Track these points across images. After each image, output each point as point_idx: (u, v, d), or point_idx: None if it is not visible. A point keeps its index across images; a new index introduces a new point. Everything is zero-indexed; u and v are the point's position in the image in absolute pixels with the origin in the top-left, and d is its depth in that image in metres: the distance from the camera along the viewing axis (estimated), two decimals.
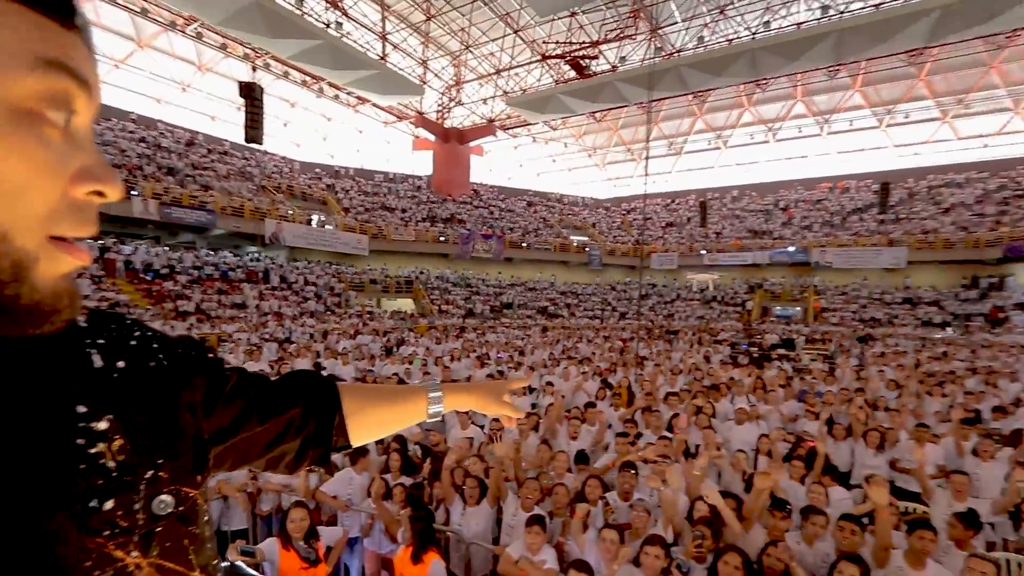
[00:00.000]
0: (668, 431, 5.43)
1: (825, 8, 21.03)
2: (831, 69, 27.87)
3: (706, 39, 23.07)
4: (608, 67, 24.27)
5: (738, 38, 22.62)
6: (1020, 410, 6.56)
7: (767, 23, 21.93)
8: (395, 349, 13.92)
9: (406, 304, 26.01)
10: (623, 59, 23.53)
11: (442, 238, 27.68)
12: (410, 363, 10.43)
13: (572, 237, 33.54)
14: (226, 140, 26.60)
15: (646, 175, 8.90)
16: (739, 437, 5.64)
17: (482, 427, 5.71)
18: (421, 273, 27.14)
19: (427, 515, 3.17)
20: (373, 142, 36.56)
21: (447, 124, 30.59)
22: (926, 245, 25.82)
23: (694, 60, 22.21)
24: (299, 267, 22.44)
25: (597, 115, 33.34)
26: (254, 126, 15.69)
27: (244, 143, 17.12)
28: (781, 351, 15.55)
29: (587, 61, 23.66)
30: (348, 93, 26.20)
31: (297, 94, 30.60)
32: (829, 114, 33.01)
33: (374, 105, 27.83)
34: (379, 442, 5.10)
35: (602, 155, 40.13)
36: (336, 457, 4.64)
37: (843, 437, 5.43)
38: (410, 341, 15.81)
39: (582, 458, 4.64)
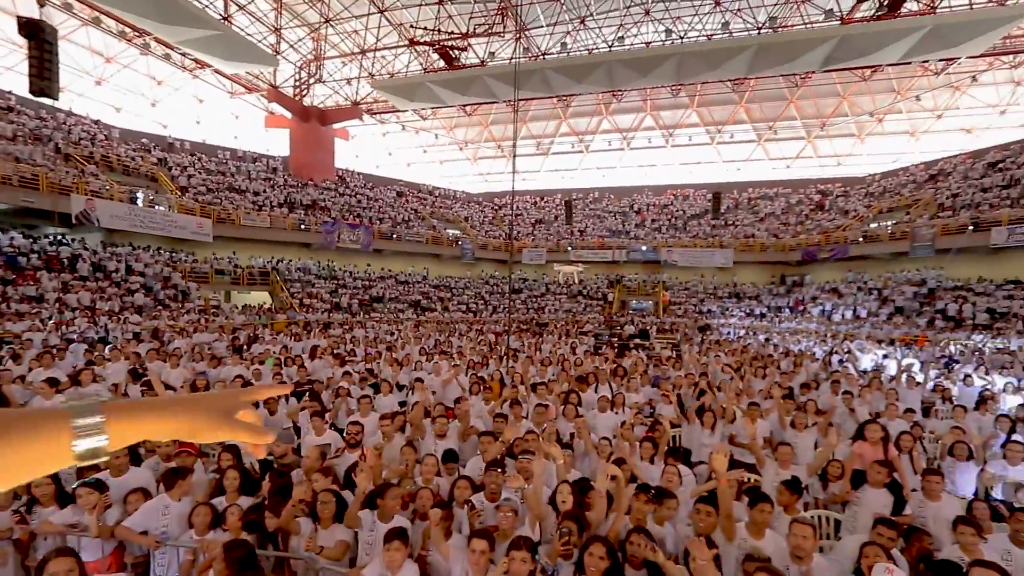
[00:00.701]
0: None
1: (668, 32, 23.44)
2: (673, 88, 31.35)
3: (568, 46, 24.30)
4: (477, 61, 24.31)
5: (597, 49, 24.23)
6: (823, 386, 7.84)
7: (621, 38, 23.83)
8: (246, 348, 12.36)
9: (262, 298, 23.44)
10: (492, 55, 23.75)
11: (303, 226, 25.38)
12: (261, 363, 9.29)
13: (446, 231, 33.19)
14: (11, 93, 21.23)
15: (514, 172, 9.01)
16: (603, 424, 5.83)
17: (341, 431, 5.22)
18: (280, 263, 24.62)
19: (243, 544, 2.70)
20: (217, 114, 32.21)
21: (307, 102, 28.14)
22: (748, 248, 30.47)
23: (558, 64, 23.26)
24: (120, 253, 18.80)
25: (468, 108, 33.42)
26: (44, 76, 12.63)
27: (33, 96, 13.74)
28: (638, 341, 17.10)
29: (456, 52, 23.43)
30: (183, 54, 22.65)
31: (114, 47, 25.63)
32: (672, 128, 37.18)
33: (217, 72, 24.47)
34: (204, 454, 4.33)
35: (473, 150, 40.36)
36: (146, 480, 3.78)
37: (695, 420, 5.94)
38: (265, 339, 14.19)
39: (450, 457, 4.44)
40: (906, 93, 30.44)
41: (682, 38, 24.14)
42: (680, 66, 22.53)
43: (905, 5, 20.81)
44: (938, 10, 20.93)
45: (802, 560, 2.74)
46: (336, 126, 29.80)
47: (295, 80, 26.97)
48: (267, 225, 24.37)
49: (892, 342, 16.45)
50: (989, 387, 8.37)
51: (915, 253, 22.65)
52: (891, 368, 10.53)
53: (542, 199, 39.65)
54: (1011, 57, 24.64)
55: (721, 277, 31.32)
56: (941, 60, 23.67)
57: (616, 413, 6.19)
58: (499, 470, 3.66)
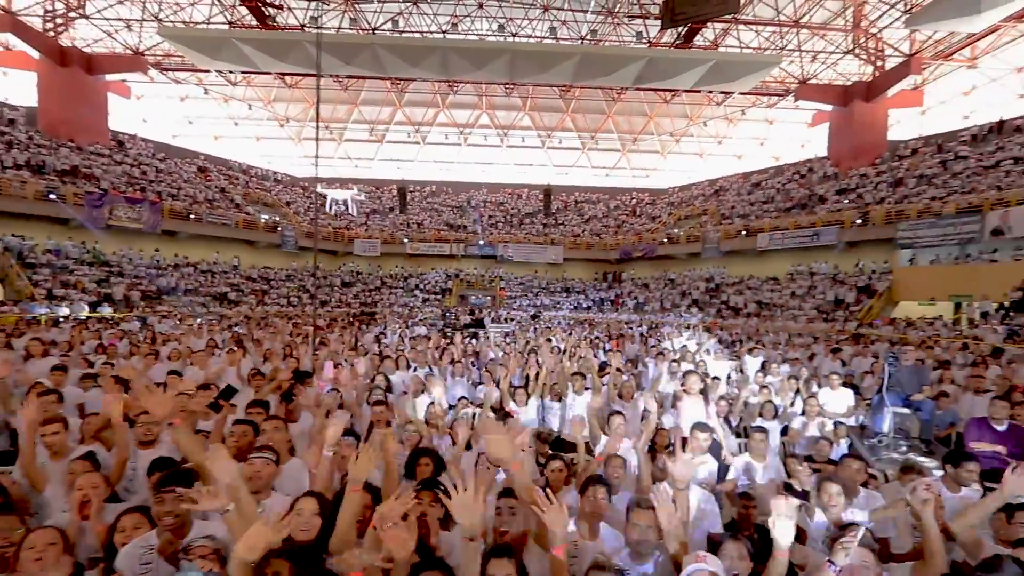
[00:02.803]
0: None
1: (501, 27, 23.87)
2: (507, 87, 32.33)
3: (400, 25, 23.21)
4: (297, 25, 21.78)
5: (431, 33, 23.59)
6: (640, 366, 8.17)
7: (455, 25, 23.58)
8: None
9: None
10: (314, 20, 21.46)
11: (52, 195, 19.77)
12: None
13: (261, 215, 29.16)
14: None
15: (317, 156, 7.81)
16: (422, 408, 5.09)
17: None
18: (19, 242, 18.79)
19: None
20: None
21: (65, 42, 22.27)
22: (576, 246, 32.71)
23: (391, 43, 21.97)
24: None
25: (288, 80, 30.03)
26: None
27: None
28: (473, 329, 16.78)
29: (270, 10, 20.63)
30: None
31: None
32: (507, 129, 38.34)
33: None
34: None
35: (297, 128, 36.47)
36: None
37: (523, 402, 5.51)
38: None
39: None
40: (696, 119, 35.84)
41: (515, 35, 24.79)
42: (512, 64, 22.95)
43: (696, 39, 24.29)
44: (720, 47, 24.85)
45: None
46: (110, 78, 24.07)
47: (45, 9, 20.97)
48: None
49: (691, 327, 18.77)
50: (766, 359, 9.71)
51: (706, 254, 26.54)
52: (692, 347, 11.76)
53: (376, 188, 37.60)
54: (766, 99, 30.50)
55: (553, 273, 33.08)
56: (722, 92, 28.20)
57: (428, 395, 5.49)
58: None
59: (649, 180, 40.58)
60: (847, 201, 23.29)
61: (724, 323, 20.01)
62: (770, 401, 5.38)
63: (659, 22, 22.58)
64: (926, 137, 24.80)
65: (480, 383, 6.45)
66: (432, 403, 4.75)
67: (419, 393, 5.34)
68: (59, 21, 21.56)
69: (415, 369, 6.76)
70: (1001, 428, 3.80)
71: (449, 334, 14.20)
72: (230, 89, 30.76)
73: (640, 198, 38.59)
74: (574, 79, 24.53)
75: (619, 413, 4.28)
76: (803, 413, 5.03)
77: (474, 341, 12.56)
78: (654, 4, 24.12)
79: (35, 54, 21.45)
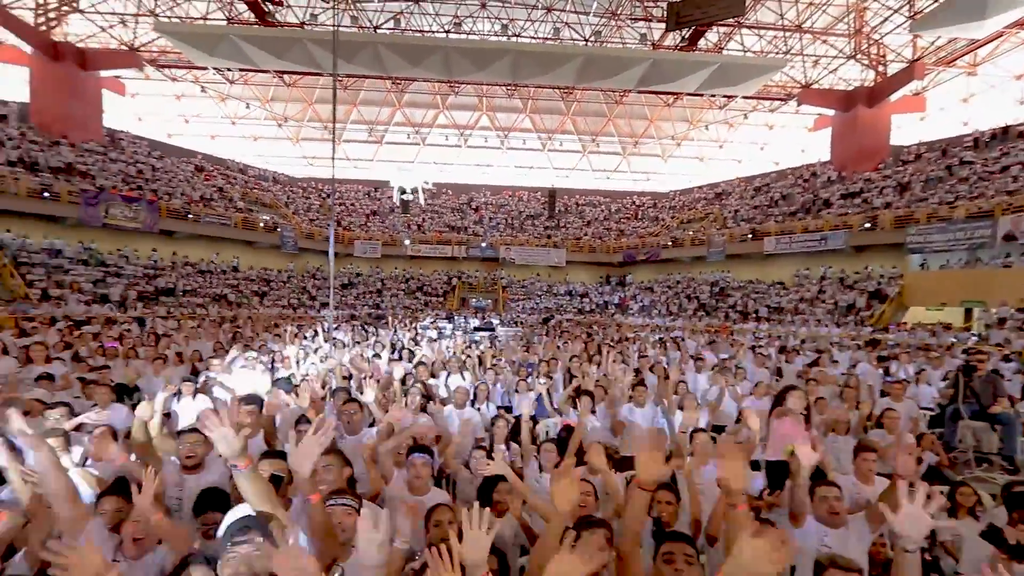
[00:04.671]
0: None
1: (505, 27, 23.61)
2: (509, 89, 32.10)
3: (402, 24, 22.89)
4: (297, 22, 21.37)
5: (432, 33, 23.29)
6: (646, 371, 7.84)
7: (458, 25, 23.28)
8: None
9: None
10: (314, 17, 21.05)
11: (46, 193, 19.16)
12: None
13: (261, 216, 28.61)
14: None
15: (334, 142, 7.46)
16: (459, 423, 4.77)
17: None
18: (12, 240, 18.17)
19: None
20: None
21: (59, 37, 21.72)
22: (578, 249, 32.46)
23: (392, 41, 21.62)
24: None
25: (287, 79, 29.58)
26: None
27: None
28: (483, 333, 16.37)
29: (269, 6, 20.20)
30: None
31: None
32: (507, 131, 38.05)
33: None
34: None
35: (295, 129, 35.93)
36: None
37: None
38: None
39: None
40: (696, 123, 35.80)
41: (518, 35, 24.55)
42: (515, 65, 22.65)
43: (700, 42, 24.18)
44: (724, 51, 24.77)
45: None
46: (104, 74, 23.47)
47: (37, 2, 20.37)
48: None
49: (703, 332, 18.58)
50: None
51: (711, 257, 26.36)
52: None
53: (376, 189, 37.12)
54: (768, 104, 30.49)
55: (555, 275, 32.79)
56: (724, 96, 28.14)
57: (479, 409, 5.21)
58: None
59: (650, 183, 40.46)
60: (854, 205, 23.22)
61: (735, 327, 19.80)
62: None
63: (663, 24, 22.52)
64: (929, 142, 24.84)
65: (516, 390, 6.10)
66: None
67: (463, 404, 5.01)
68: (52, 15, 20.97)
69: (448, 375, 6.43)
70: None
71: (474, 339, 13.83)
72: (227, 87, 30.22)
73: (642, 201, 38.45)
74: (577, 81, 24.29)
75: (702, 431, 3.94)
76: (880, 426, 4.73)
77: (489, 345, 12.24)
78: (657, 6, 24.01)
79: (27, 48, 20.86)
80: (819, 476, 3.03)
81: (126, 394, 6.96)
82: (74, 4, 21.13)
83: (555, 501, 1.87)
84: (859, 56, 24.52)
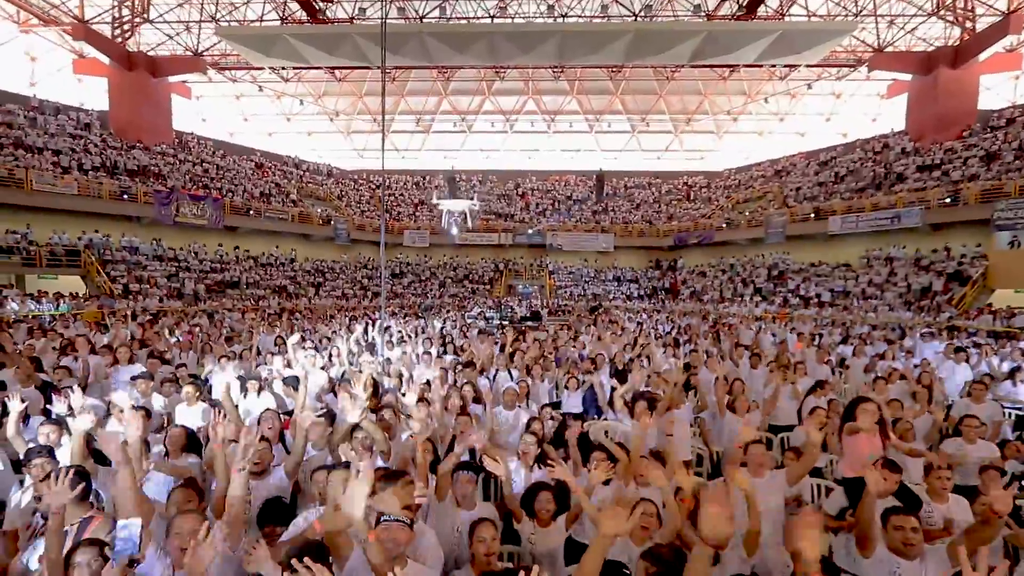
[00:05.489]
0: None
1: (551, 7, 23.04)
2: (555, 71, 31.44)
3: (447, 12, 22.81)
4: (346, 17, 21.78)
5: (477, 19, 23.09)
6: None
7: (503, 9, 22.94)
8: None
9: (72, 283, 18.73)
10: (362, 11, 21.35)
11: (125, 195, 20.76)
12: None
13: (316, 209, 29.82)
14: None
15: (383, 133, 7.53)
16: (506, 423, 4.86)
17: None
18: (95, 240, 19.89)
19: None
20: (4, 54, 25.26)
21: (132, 47, 23.21)
22: (627, 233, 31.70)
23: (437, 30, 21.62)
24: None
25: (338, 74, 30.31)
26: None
27: None
28: (530, 323, 16.37)
29: (320, 3, 20.66)
30: None
31: None
32: (554, 114, 37.42)
33: None
34: None
35: (346, 122, 36.94)
36: None
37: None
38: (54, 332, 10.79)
39: None
40: (755, 96, 33.77)
41: (564, 16, 23.93)
42: (562, 46, 22.11)
43: (760, 10, 22.65)
44: (787, 17, 23.12)
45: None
46: (172, 79, 24.98)
47: (113, 16, 21.87)
48: (74, 192, 19.47)
49: (759, 319, 17.74)
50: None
51: (769, 239, 25.00)
52: (765, 342, 10.93)
53: (424, 179, 37.68)
54: (835, 71, 28.28)
55: (603, 261, 32.27)
56: (786, 66, 26.34)
57: (520, 408, 5.19)
58: None
59: (704, 162, 38.74)
60: (932, 179, 21.26)
61: (796, 313, 18.77)
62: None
63: None
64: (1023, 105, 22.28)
65: (566, 387, 6.07)
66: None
67: (512, 405, 5.04)
68: (126, 27, 22.44)
69: (494, 374, 6.48)
70: None
71: (520, 330, 13.86)
72: (282, 86, 31.41)
73: (694, 181, 36.91)
74: (626, 59, 23.40)
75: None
76: (958, 433, 4.36)
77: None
78: None
79: (106, 60, 22.48)
80: (911, 502, 2.82)
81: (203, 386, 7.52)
82: (145, 16, 22.50)
83: (601, 526, 1.85)
84: (943, 12, 22.19)
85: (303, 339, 9.33)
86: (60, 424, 3.41)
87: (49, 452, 2.90)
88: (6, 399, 4.05)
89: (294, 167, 33.25)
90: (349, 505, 1.89)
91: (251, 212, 25.01)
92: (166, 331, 10.11)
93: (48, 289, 17.36)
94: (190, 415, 4.48)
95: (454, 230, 28.91)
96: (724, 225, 28.27)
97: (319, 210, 29.80)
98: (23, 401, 3.48)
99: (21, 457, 3.03)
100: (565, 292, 28.83)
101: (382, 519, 2.04)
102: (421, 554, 2.30)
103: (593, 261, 32.27)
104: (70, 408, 3.34)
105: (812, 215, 23.74)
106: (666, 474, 2.90)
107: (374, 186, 36.66)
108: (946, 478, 3.14)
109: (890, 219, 20.60)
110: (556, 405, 5.88)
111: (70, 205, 19.41)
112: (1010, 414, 6.51)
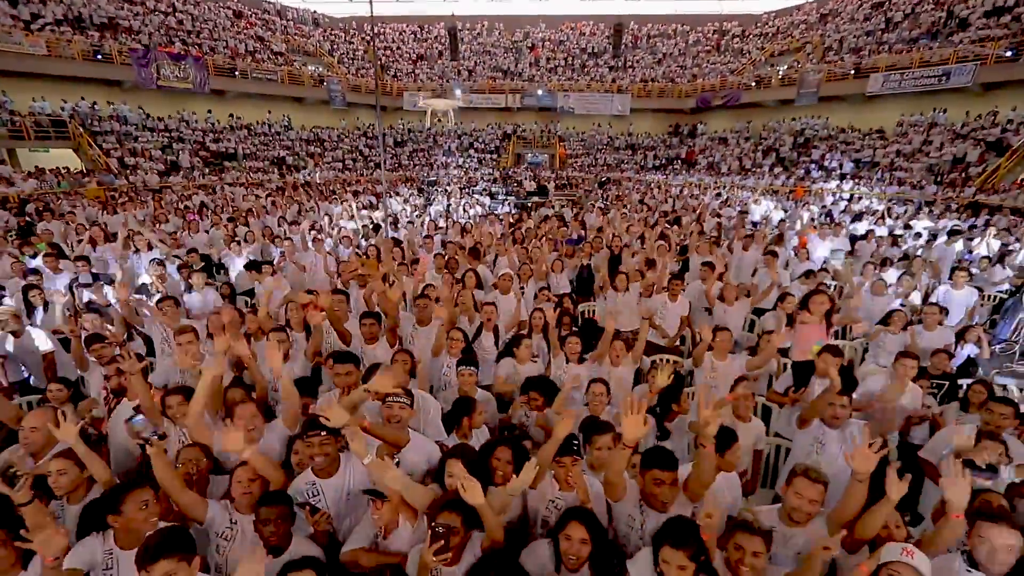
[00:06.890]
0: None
1: None
2: None
3: None
4: None
5: None
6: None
7: None
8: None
9: (65, 156, 18.26)
10: None
11: (99, 55, 19.09)
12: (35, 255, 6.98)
13: (307, 67, 27.38)
14: None
15: None
16: (505, 308, 4.90)
17: None
18: (84, 109, 18.84)
19: None
20: None
21: None
22: (645, 94, 28.87)
23: None
24: None
25: None
26: None
27: None
28: (536, 199, 15.92)
29: None
30: None
31: None
32: None
33: None
34: None
35: None
36: None
37: (624, 288, 5.36)
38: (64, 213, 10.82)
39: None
40: None
41: None
42: None
43: None
44: None
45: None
46: None
47: None
48: (44, 52, 17.86)
49: (775, 193, 17.04)
50: None
51: (800, 101, 22.83)
52: (775, 218, 10.60)
53: (422, 28, 33.84)
54: None
55: (617, 127, 30.22)
56: None
57: (522, 289, 5.47)
58: None
59: (740, 3, 33.83)
60: (999, 25, 18.45)
61: (812, 187, 17.92)
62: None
63: None
64: None
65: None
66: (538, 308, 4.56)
67: (508, 290, 5.27)
68: None
69: (495, 261, 6.59)
70: None
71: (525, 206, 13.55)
72: None
73: (727, 28, 32.66)
74: None
75: (724, 330, 4.20)
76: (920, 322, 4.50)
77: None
78: None
79: None
80: (848, 382, 3.24)
81: (212, 267, 7.71)
82: None
83: (625, 434, 2.02)
84: None
85: (313, 226, 9.29)
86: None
87: None
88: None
89: (276, 15, 29.81)
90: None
91: (237, 73, 23.10)
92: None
93: (42, 165, 16.98)
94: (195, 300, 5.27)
95: (457, 91, 26.68)
96: (753, 84, 25.71)
97: (311, 68, 27.43)
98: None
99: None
100: (576, 163, 27.57)
101: (386, 399, 2.45)
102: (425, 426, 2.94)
103: (607, 125, 30.24)
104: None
105: (852, 72, 21.34)
106: (633, 356, 3.93)
107: (367, 37, 33.11)
108: (911, 368, 3.35)
109: (938, 77, 18.47)
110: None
111: (42, 68, 17.94)
112: (993, 296, 6.52)
